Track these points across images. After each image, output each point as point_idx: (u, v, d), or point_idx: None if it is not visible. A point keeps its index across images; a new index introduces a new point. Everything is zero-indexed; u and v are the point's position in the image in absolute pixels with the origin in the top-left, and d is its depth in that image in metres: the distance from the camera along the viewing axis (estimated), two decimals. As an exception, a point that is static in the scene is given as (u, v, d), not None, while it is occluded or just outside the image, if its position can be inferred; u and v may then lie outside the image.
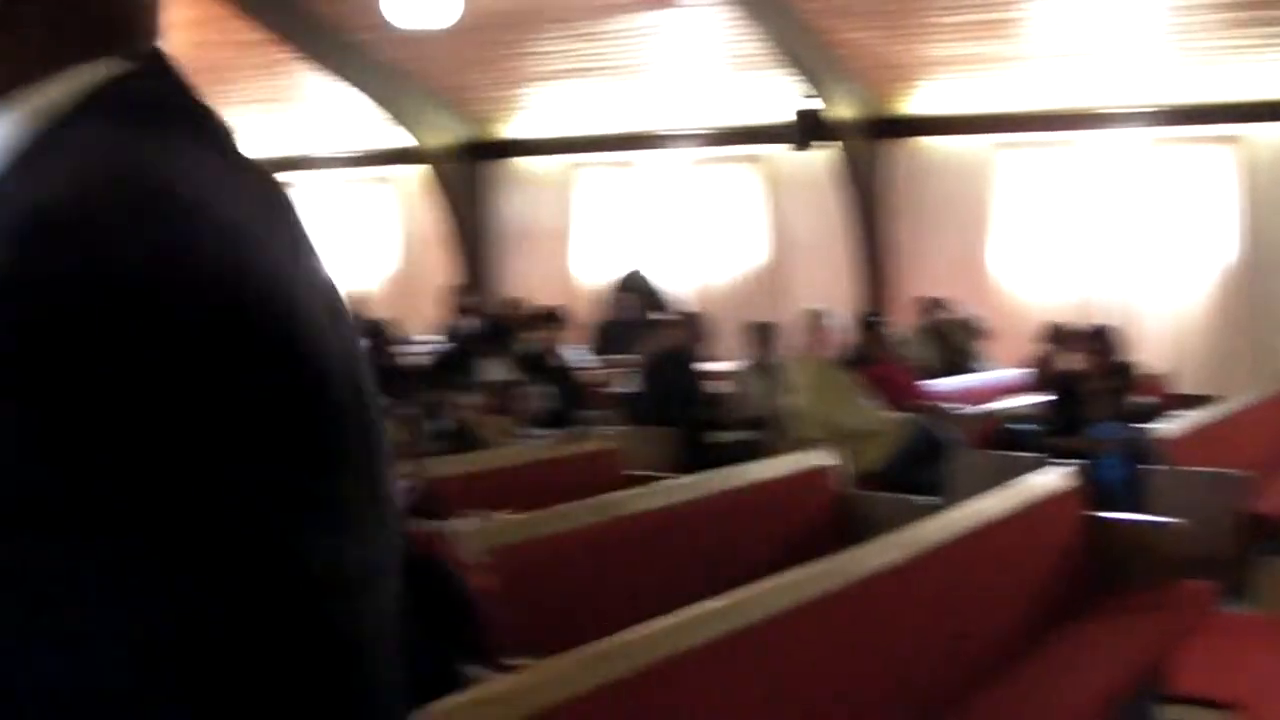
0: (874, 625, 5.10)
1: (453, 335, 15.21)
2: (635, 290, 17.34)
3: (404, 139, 20.10)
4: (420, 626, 4.20)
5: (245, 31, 18.05)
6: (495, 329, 13.01)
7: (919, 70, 16.40)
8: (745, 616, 4.36)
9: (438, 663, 4.13)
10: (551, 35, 17.30)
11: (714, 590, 4.59)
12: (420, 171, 20.90)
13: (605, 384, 12.79)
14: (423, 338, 16.94)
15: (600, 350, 15.49)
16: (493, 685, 3.81)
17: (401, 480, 4.42)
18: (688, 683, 4.04)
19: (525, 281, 19.30)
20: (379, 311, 18.42)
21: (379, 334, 12.70)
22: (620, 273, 18.26)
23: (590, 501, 6.32)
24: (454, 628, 4.30)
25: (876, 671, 5.04)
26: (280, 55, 18.64)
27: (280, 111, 21.13)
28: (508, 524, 5.81)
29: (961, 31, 15.17)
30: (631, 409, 11.38)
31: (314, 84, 19.51)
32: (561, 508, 6.11)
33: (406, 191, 21.70)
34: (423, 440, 4.93)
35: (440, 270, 20.57)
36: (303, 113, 20.99)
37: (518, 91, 19.12)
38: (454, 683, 4.02)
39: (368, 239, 22.23)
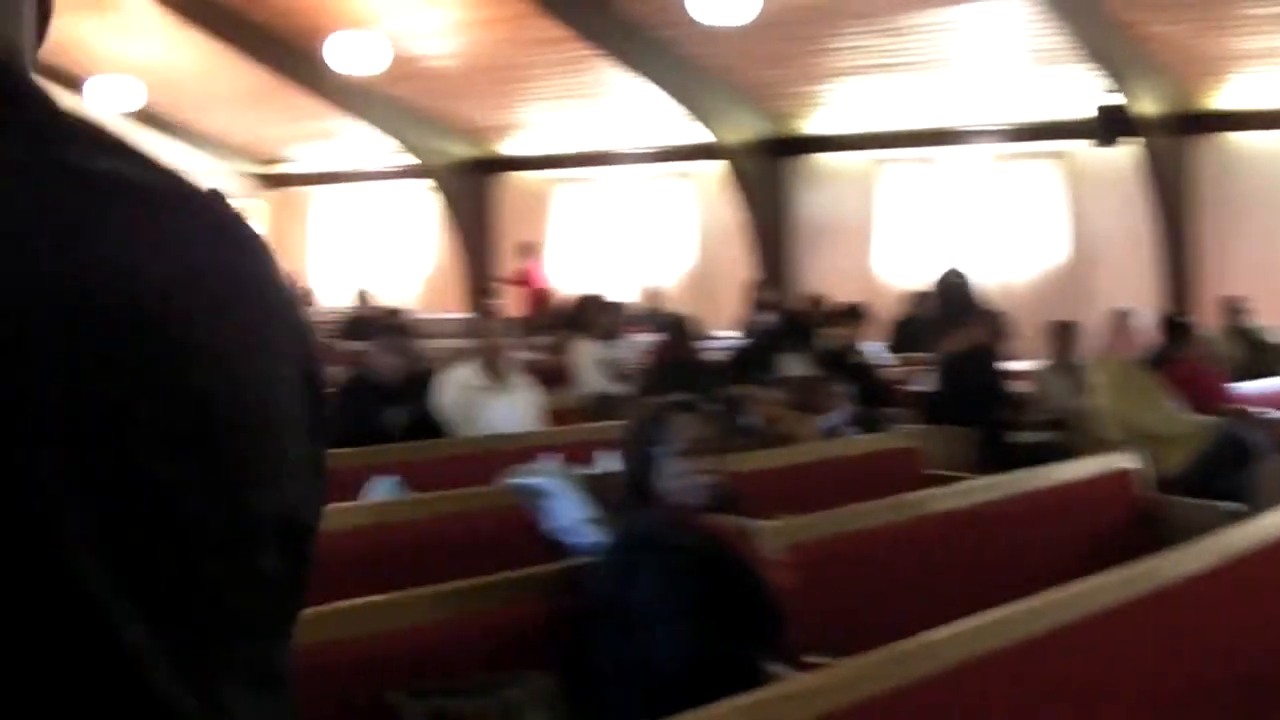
0: (1177, 635, 5.02)
1: (752, 331, 15.28)
2: (953, 288, 17.20)
3: (703, 135, 20.23)
4: (722, 621, 4.27)
5: (549, 29, 18.36)
6: (795, 325, 13.03)
7: (1229, 64, 15.99)
8: (1048, 621, 4.33)
9: (738, 658, 4.19)
10: (853, 30, 17.27)
11: (1013, 593, 4.57)
12: (719, 167, 21.02)
13: (904, 382, 12.73)
14: (722, 333, 17.04)
15: (899, 347, 15.41)
16: (793, 682, 3.86)
17: (706, 476, 4.49)
18: (988, 686, 4.03)
19: (825, 278, 19.28)
20: (678, 307, 18.58)
21: (680, 329, 12.78)
22: (937, 270, 18.09)
23: (890, 500, 6.32)
24: (755, 623, 4.35)
25: (1177, 683, 4.96)
26: (583, 52, 18.91)
27: (582, 108, 21.44)
28: (808, 521, 5.85)
29: (1275, 24, 14.76)
30: (930, 407, 11.32)
31: (615, 80, 19.75)
32: (861, 506, 6.12)
33: (705, 187, 21.84)
34: (727, 436, 4.98)
35: (738, 266, 20.65)
36: (604, 109, 21.26)
37: (819, 87, 19.12)
38: (754, 678, 4.08)
39: (667, 234, 22.43)
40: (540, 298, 20.95)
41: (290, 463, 1.27)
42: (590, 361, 12.15)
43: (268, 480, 1.23)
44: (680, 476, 4.44)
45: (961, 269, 17.02)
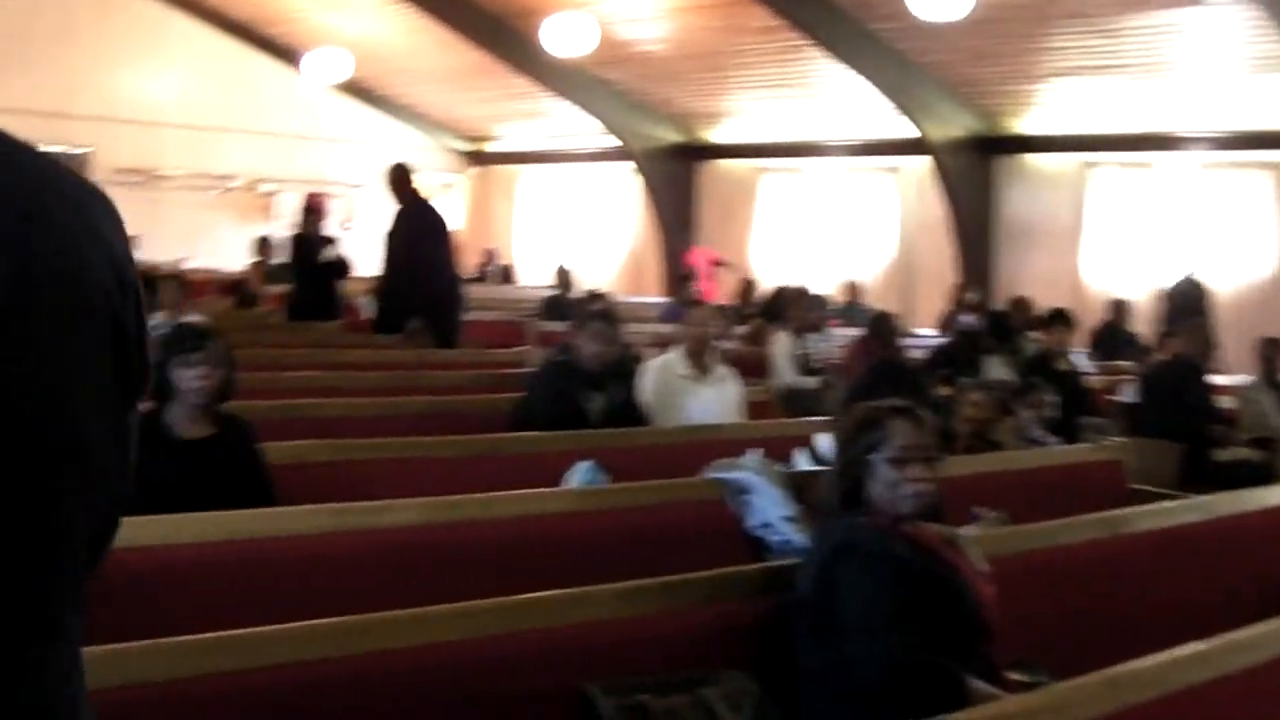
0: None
1: (954, 330, 15.13)
2: (1186, 296, 16.88)
3: (908, 130, 20.05)
4: (927, 632, 4.19)
5: (762, 17, 18.33)
6: (1000, 327, 12.85)
7: None
8: (1265, 652, 4.21)
9: (941, 670, 4.11)
10: (1069, 30, 17.03)
11: (1218, 618, 4.46)
12: (924, 163, 20.84)
13: (1106, 391, 12.51)
14: (921, 331, 16.90)
15: (1101, 355, 15.16)
16: (1006, 703, 3.78)
17: (919, 485, 4.40)
18: (1202, 716, 3.92)
19: (1029, 280, 19.00)
20: (876, 302, 18.47)
21: (883, 327, 12.65)
22: (1168, 276, 17.77)
23: (1096, 516, 6.17)
24: (960, 636, 4.27)
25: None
26: (795, 42, 18.84)
27: (791, 98, 21.39)
28: (1010, 533, 5.75)
29: None
30: (1131, 419, 11.10)
31: (825, 71, 19.66)
32: (1066, 521, 5.99)
33: (909, 182, 21.68)
34: (939, 440, 4.89)
35: (939, 263, 20.50)
36: (813, 100, 21.18)
37: (1031, 86, 18.87)
38: (957, 692, 4.01)
39: (869, 228, 22.30)
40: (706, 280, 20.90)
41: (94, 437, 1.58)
42: (786, 354, 12.08)
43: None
44: (892, 484, 4.37)
45: (1197, 277, 16.71)
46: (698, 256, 22.23)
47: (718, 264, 21.86)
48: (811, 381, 11.68)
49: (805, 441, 7.06)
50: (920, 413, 4.58)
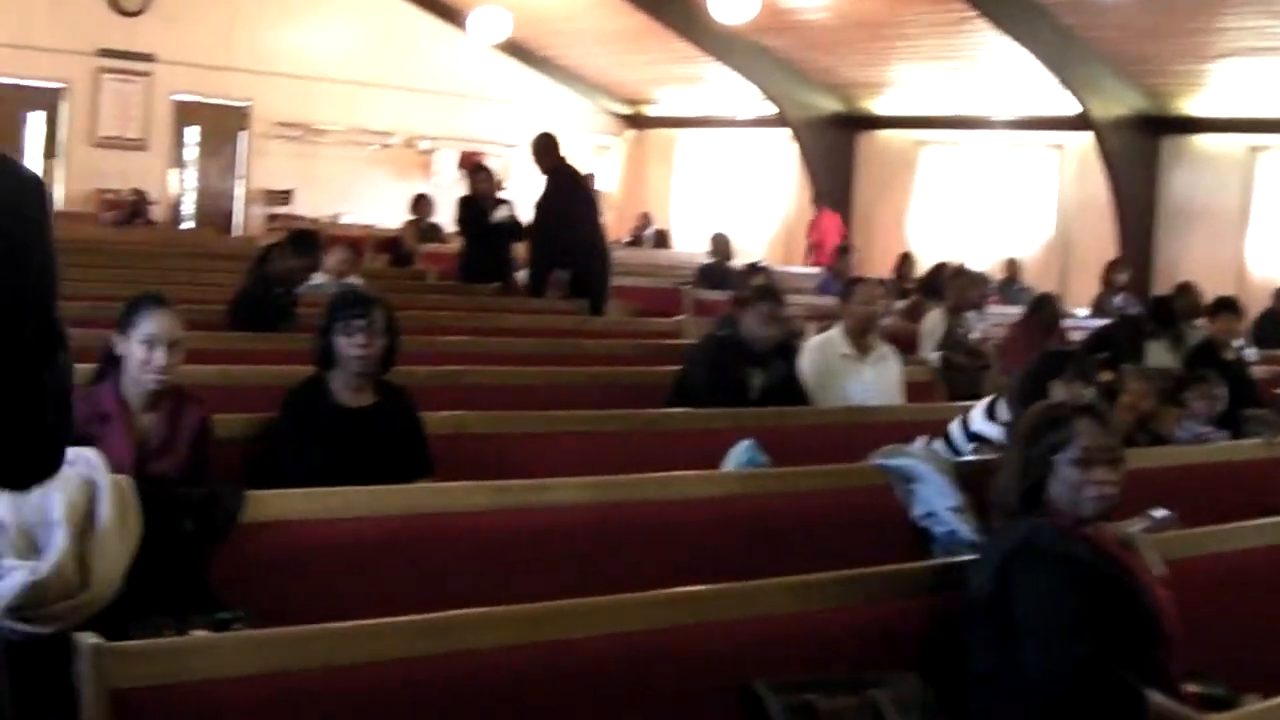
0: None
1: (1109, 313, 14.84)
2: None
3: (1072, 106, 19.72)
4: (1105, 639, 4.04)
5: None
6: (1163, 312, 12.55)
7: None
8: None
9: (1118, 678, 3.97)
10: (1243, 10, 16.67)
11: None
12: (1087, 140, 20.50)
13: (1269, 382, 12.17)
14: (1080, 312, 16.61)
15: (1263, 345, 14.78)
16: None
17: (1102, 487, 4.24)
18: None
19: (1192, 264, 18.62)
20: (1033, 280, 18.24)
21: (1047, 310, 12.39)
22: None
23: (1277, 520, 5.95)
24: (1139, 645, 4.12)
25: None
26: (961, 13, 18.61)
27: (953, 70, 21.15)
28: (1182, 536, 5.56)
29: None
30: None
31: (990, 43, 19.39)
32: (1243, 524, 5.78)
33: (1070, 160, 21.37)
34: (1120, 434, 4.71)
35: (1098, 243, 20.15)
36: (976, 72, 20.92)
37: (1201, 66, 18.48)
38: (1137, 709, 3.88)
39: (1027, 205, 22.01)
40: (829, 249, 20.65)
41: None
42: (933, 332, 11.83)
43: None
44: (1076, 486, 4.22)
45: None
46: (828, 221, 22.10)
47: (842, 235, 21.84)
48: (960, 359, 11.41)
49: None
50: (1106, 412, 4.43)
